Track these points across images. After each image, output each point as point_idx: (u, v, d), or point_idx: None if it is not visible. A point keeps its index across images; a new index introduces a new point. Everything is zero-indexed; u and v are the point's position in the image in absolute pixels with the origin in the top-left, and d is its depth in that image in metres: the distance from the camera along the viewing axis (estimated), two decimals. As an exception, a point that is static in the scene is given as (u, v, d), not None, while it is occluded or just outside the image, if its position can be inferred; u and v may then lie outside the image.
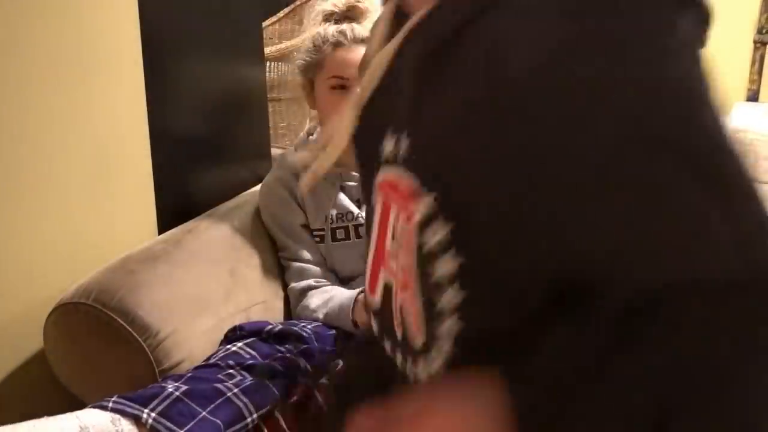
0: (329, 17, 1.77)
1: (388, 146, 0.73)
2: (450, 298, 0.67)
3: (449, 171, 0.65)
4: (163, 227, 1.83)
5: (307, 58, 1.76)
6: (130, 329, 1.44)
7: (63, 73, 1.57)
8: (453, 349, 0.68)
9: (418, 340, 0.71)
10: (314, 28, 1.78)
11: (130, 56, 1.72)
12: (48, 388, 1.59)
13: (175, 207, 1.87)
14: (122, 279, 1.51)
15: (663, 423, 0.55)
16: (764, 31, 4.25)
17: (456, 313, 0.67)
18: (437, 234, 0.65)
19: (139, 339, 1.44)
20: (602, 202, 0.58)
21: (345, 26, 1.73)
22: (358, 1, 1.76)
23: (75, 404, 1.57)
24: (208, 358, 1.48)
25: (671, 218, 0.57)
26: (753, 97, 4.32)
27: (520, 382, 0.61)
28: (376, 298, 0.80)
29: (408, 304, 0.71)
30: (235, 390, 1.35)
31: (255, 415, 1.34)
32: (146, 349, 1.45)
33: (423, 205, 0.66)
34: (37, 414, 1.29)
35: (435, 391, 0.67)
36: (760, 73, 4.30)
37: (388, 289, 0.76)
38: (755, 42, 4.27)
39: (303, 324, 1.63)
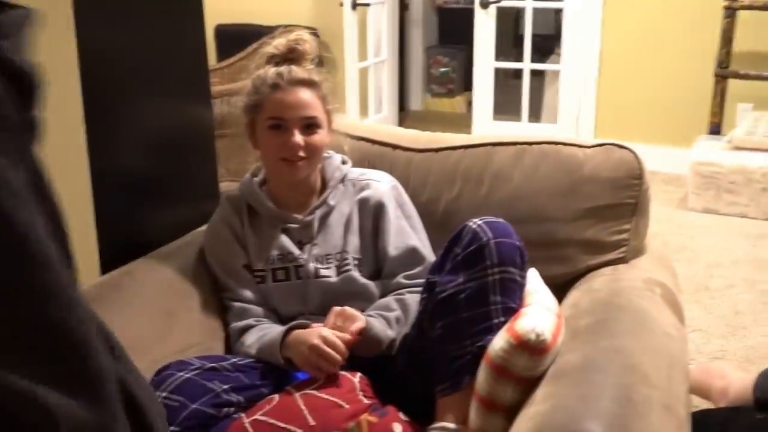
0: (271, 59, 1.80)
1: None
2: None
3: None
4: (106, 269, 1.84)
5: (248, 100, 1.79)
6: (59, 373, 1.44)
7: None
8: None
9: None
10: (257, 71, 1.81)
11: (70, 95, 1.74)
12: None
13: (119, 249, 1.88)
14: (54, 322, 1.52)
15: None
16: (724, 65, 4.32)
17: None
18: None
19: (69, 383, 1.45)
20: None
21: (283, 68, 1.76)
22: (297, 44, 1.79)
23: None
24: None
25: None
26: (715, 129, 4.38)
27: None
28: None
29: None
30: None
31: None
32: (76, 392, 1.45)
33: None
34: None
35: None
36: (721, 106, 4.37)
37: None
38: (716, 76, 4.33)
39: (232, 359, 1.64)
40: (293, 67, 1.76)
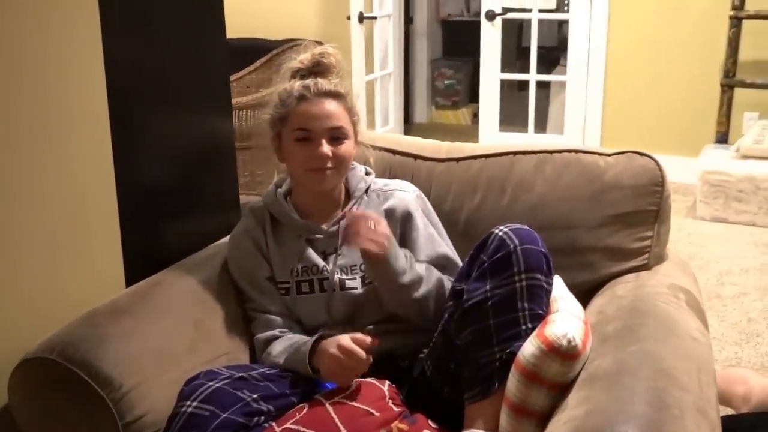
0: (296, 73, 1.82)
1: None
2: None
3: None
4: (131, 279, 1.85)
5: (274, 113, 1.80)
6: (92, 383, 1.46)
7: (27, 128, 1.61)
8: None
9: None
10: (282, 84, 1.83)
11: (96, 108, 1.76)
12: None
13: (143, 259, 1.90)
14: (86, 333, 1.53)
15: None
16: (730, 74, 4.34)
17: None
18: None
19: (102, 392, 1.46)
20: None
21: (309, 81, 1.78)
22: (323, 57, 1.81)
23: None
24: (168, 427, 1.49)
25: None
26: (722, 138, 4.40)
27: None
28: None
29: None
30: None
31: None
32: (108, 402, 1.46)
33: None
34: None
35: None
36: (728, 115, 4.39)
37: None
38: (722, 85, 4.36)
39: (260, 369, 1.65)
40: (319, 80, 1.78)
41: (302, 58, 1.82)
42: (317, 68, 1.81)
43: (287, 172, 1.86)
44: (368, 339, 1.58)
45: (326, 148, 1.73)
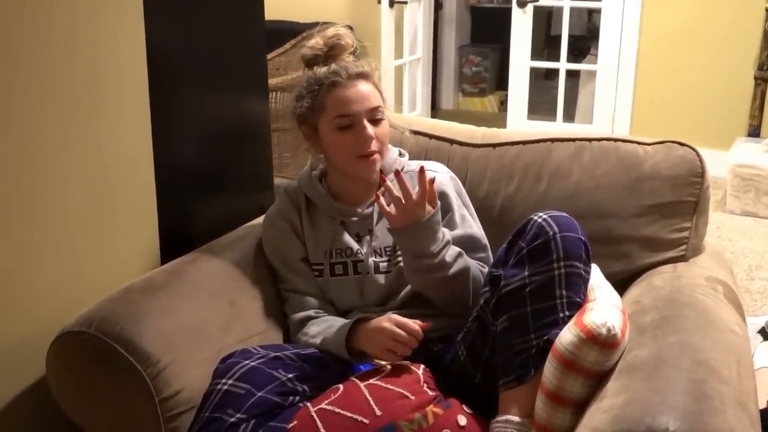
0: (314, 60, 1.79)
1: None
2: None
3: None
4: (166, 257, 1.86)
5: (305, 105, 1.77)
6: (130, 358, 1.47)
7: (69, 106, 1.61)
8: None
9: None
10: (303, 75, 1.80)
11: (137, 88, 1.77)
12: (50, 415, 1.61)
13: (179, 237, 1.91)
14: (124, 308, 1.54)
15: None
16: (765, 67, 4.29)
17: None
18: None
19: (139, 368, 1.47)
20: None
21: (335, 66, 1.75)
22: (339, 39, 1.78)
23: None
24: (203, 404, 1.50)
25: None
26: (754, 132, 4.36)
27: None
28: None
29: None
30: None
31: None
32: (146, 378, 1.47)
33: None
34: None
35: None
36: (761, 108, 4.35)
37: None
38: (756, 78, 4.31)
39: (295, 349, 1.66)
40: (346, 63, 1.76)
41: (313, 44, 1.79)
42: (334, 51, 1.78)
43: (324, 162, 1.84)
44: (420, 322, 1.61)
45: (370, 130, 1.71)
